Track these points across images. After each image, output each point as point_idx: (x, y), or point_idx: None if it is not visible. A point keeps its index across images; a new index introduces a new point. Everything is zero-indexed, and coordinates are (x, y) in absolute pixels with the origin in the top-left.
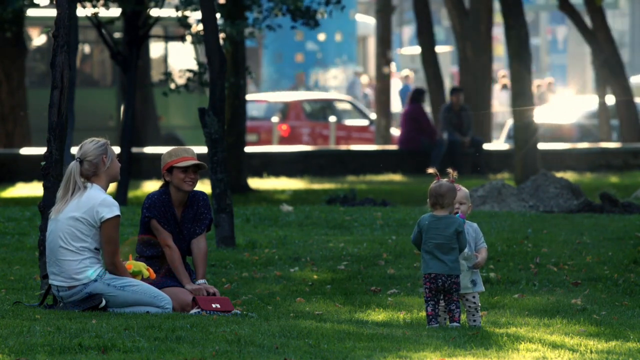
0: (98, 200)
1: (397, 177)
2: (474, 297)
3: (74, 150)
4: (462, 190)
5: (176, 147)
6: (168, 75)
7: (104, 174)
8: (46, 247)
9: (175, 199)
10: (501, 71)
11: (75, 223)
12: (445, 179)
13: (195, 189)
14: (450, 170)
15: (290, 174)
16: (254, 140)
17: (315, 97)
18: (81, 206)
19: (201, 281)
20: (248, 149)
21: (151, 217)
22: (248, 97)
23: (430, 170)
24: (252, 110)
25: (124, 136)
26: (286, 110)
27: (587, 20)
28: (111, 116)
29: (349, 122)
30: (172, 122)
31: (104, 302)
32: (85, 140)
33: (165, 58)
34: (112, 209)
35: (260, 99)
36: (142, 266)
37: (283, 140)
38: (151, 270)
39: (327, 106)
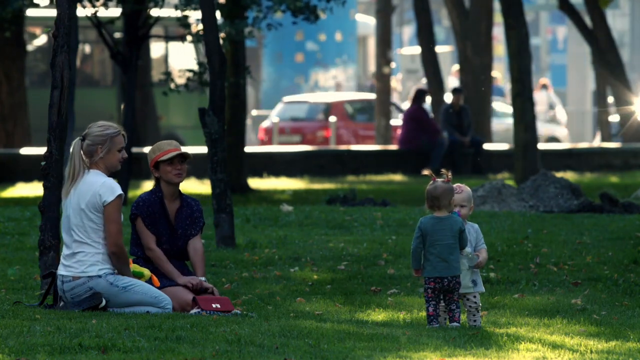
0: (97, 185)
1: (397, 177)
2: (474, 297)
3: None
4: (464, 193)
5: (159, 142)
6: (168, 75)
7: (100, 161)
8: (63, 238)
9: (167, 193)
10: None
11: (85, 215)
12: (441, 180)
13: (195, 191)
14: (444, 170)
15: (290, 174)
16: (297, 141)
17: (357, 98)
18: (83, 196)
19: (201, 279)
20: (248, 149)
21: (137, 215)
22: (292, 97)
23: (425, 172)
24: (294, 111)
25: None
26: (328, 110)
27: (587, 20)
28: (111, 116)
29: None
30: (172, 122)
31: (104, 302)
32: (98, 122)
33: (165, 58)
34: (114, 190)
35: (303, 100)
36: (145, 270)
37: (325, 142)
38: (155, 277)
39: (368, 106)
